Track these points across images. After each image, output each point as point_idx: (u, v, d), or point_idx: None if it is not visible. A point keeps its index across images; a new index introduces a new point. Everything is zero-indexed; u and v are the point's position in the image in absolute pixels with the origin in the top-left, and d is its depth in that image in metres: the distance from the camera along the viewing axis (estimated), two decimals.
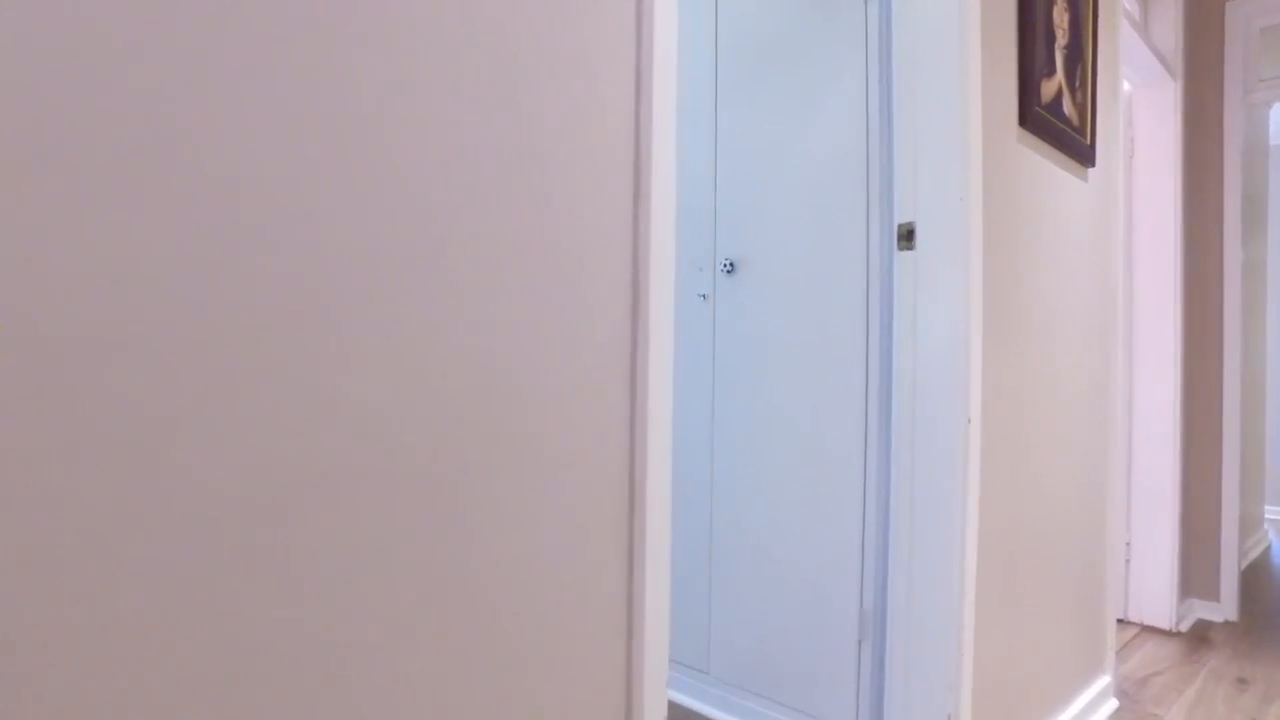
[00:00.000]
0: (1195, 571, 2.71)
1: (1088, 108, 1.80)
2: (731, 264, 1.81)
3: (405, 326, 0.62)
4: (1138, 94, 2.64)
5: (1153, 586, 2.58)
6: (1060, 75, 1.69)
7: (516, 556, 0.70)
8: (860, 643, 1.58)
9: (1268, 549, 3.80)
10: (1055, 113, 1.66)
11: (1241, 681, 2.15)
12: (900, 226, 1.44)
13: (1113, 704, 2.00)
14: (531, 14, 0.71)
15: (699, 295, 1.89)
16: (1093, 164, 1.83)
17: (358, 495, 0.58)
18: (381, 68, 0.60)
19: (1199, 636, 2.53)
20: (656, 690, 0.78)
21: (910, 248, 1.42)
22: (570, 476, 0.74)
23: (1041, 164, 1.65)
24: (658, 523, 0.78)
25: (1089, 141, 1.80)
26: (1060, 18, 1.69)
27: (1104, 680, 1.97)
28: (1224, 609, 2.67)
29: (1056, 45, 1.68)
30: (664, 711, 0.80)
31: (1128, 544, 2.62)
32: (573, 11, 0.75)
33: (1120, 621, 2.63)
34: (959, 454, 1.33)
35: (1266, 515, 4.56)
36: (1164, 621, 2.56)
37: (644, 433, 0.79)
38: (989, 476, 1.46)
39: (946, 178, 1.37)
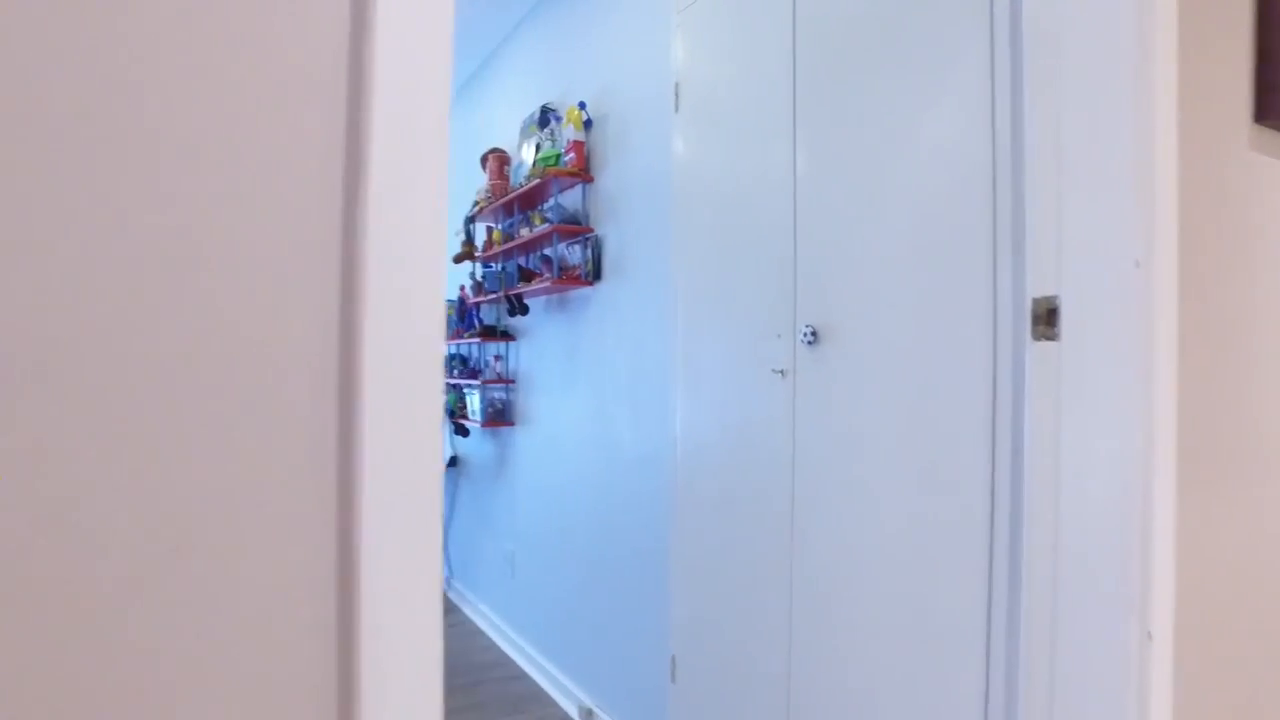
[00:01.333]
0: None
1: None
2: (814, 332, 1.37)
3: None
4: None
5: None
6: None
7: None
8: None
9: None
10: None
11: None
12: (1035, 303, 0.93)
13: None
14: None
15: (775, 371, 1.46)
16: None
17: None
18: None
19: None
20: None
21: (1051, 337, 0.91)
22: None
23: None
24: None
25: None
26: None
27: None
28: None
29: None
30: None
31: None
32: None
33: None
34: (1130, 684, 0.81)
35: None
36: None
37: None
38: (1195, 694, 0.91)
39: (1111, 227, 0.85)
